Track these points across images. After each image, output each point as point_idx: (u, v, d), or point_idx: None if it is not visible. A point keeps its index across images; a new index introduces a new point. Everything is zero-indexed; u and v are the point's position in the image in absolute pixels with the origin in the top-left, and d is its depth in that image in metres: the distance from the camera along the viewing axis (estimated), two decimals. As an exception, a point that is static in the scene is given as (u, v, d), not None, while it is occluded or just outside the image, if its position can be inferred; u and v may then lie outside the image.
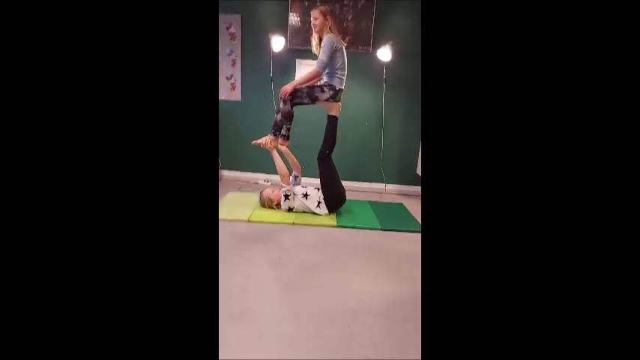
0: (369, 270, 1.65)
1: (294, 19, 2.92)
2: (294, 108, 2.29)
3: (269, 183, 3.11)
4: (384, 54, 2.84)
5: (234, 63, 3.04)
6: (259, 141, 2.34)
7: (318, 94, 2.25)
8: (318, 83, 2.29)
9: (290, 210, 2.36)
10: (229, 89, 3.09)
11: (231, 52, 3.00)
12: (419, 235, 2.16)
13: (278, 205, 2.40)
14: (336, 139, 2.37)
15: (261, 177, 3.21)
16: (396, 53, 2.88)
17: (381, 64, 2.94)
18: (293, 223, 2.20)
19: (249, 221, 2.19)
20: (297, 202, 2.36)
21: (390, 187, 3.22)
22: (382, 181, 3.20)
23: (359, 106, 3.07)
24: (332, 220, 2.28)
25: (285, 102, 2.23)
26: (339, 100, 2.32)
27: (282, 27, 2.93)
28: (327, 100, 2.26)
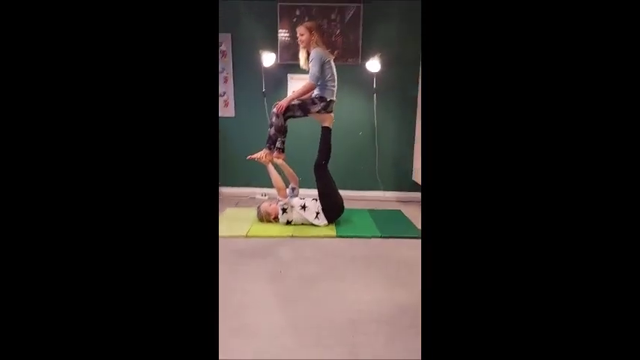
0: (369, 279, 1.64)
1: (283, 35, 2.99)
2: (288, 121, 2.32)
3: (266, 197, 3.11)
4: (373, 65, 2.90)
5: (226, 80, 3.09)
6: (255, 155, 2.37)
7: (309, 106, 2.28)
8: (310, 96, 2.33)
9: (288, 223, 2.36)
10: (222, 106, 3.13)
11: (223, 69, 3.06)
12: (418, 241, 2.15)
13: (276, 219, 2.40)
14: (331, 150, 2.39)
15: (258, 191, 3.22)
16: (384, 64, 2.93)
17: (370, 75, 2.99)
18: (292, 236, 2.20)
19: (247, 236, 2.18)
20: (296, 215, 2.36)
21: (388, 194, 3.22)
22: (379, 189, 3.21)
23: (352, 117, 3.10)
24: (331, 230, 2.28)
25: (278, 116, 2.26)
26: (331, 112, 2.35)
27: (272, 43, 2.99)
28: (319, 111, 2.30)
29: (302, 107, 2.28)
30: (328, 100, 2.28)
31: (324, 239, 2.17)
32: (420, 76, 3.01)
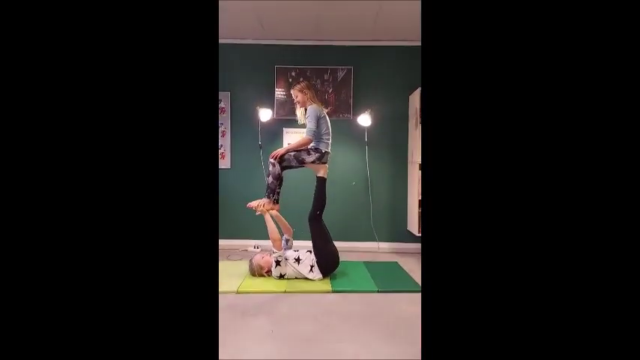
0: (367, 337, 1.54)
1: (279, 93, 3.18)
2: (284, 172, 2.37)
3: (259, 249, 3.03)
4: (364, 120, 3.05)
5: (223, 134, 3.19)
6: (253, 203, 2.36)
7: (304, 156, 2.35)
8: (306, 147, 2.41)
9: (282, 277, 2.27)
10: (219, 158, 3.19)
11: (221, 124, 3.18)
12: (416, 295, 2.07)
13: (269, 273, 2.31)
14: (325, 200, 2.40)
15: (250, 243, 3.14)
16: (374, 119, 3.10)
17: (362, 129, 3.13)
18: (285, 292, 2.10)
19: (238, 292, 2.07)
20: (289, 269, 2.28)
21: (383, 245, 3.17)
22: (374, 240, 3.17)
23: (345, 168, 3.18)
24: (326, 284, 2.19)
25: (274, 164, 2.31)
26: (325, 162, 2.41)
27: (269, 101, 3.17)
28: (313, 162, 2.36)
29: (297, 158, 2.34)
30: (323, 151, 2.36)
31: (319, 294, 2.07)
32: (409, 129, 3.16)
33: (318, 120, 2.31)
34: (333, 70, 3.16)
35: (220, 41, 2.80)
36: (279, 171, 2.33)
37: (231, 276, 2.32)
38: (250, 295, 2.05)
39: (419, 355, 1.38)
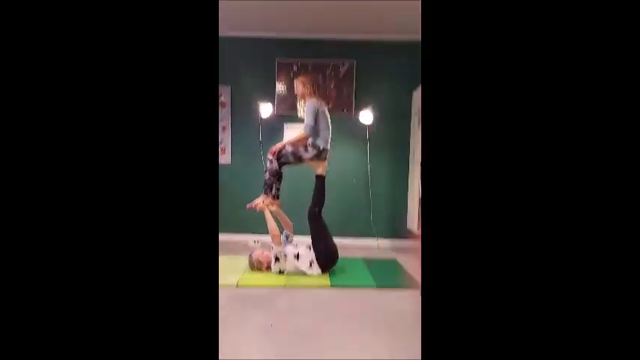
0: (365, 332, 1.55)
1: (280, 87, 3.16)
2: (283, 168, 2.36)
3: (259, 244, 3.04)
4: (366, 116, 3.04)
5: (223, 129, 3.18)
6: (253, 203, 2.37)
7: (302, 153, 2.34)
8: (304, 143, 2.39)
9: (281, 273, 2.27)
10: (219, 153, 3.18)
11: (222, 119, 3.17)
12: (413, 292, 2.08)
13: (268, 268, 2.31)
14: (325, 197, 2.40)
15: (250, 238, 3.15)
16: (376, 115, 3.09)
17: (363, 126, 3.13)
18: (284, 286, 2.11)
19: (238, 286, 2.08)
20: (289, 264, 2.28)
21: (382, 242, 3.18)
22: (373, 236, 3.18)
23: (346, 165, 3.18)
24: (325, 280, 2.20)
25: (271, 161, 2.30)
26: (324, 159, 2.40)
27: (270, 96, 3.15)
28: (311, 158, 2.35)
29: (294, 154, 2.33)
30: (321, 147, 2.34)
31: (318, 289, 2.08)
32: (411, 127, 3.16)
33: (317, 115, 2.30)
34: (335, 65, 3.14)
35: (220, 34, 2.78)
36: (277, 167, 2.33)
37: (231, 270, 2.33)
38: (250, 288, 2.06)
39: (417, 349, 1.40)
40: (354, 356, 1.36)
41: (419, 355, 1.39)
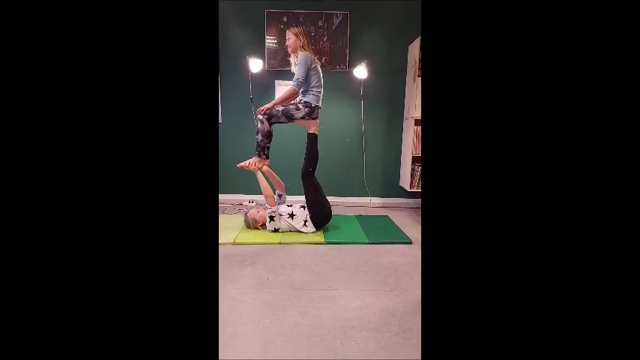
0: (358, 285, 1.63)
1: (270, 42, 2.99)
2: (273, 126, 2.31)
3: (254, 203, 3.07)
4: (360, 72, 2.93)
5: (213, 86, 3.06)
6: (244, 163, 2.34)
7: (293, 112, 2.27)
8: (294, 101, 2.32)
9: (276, 231, 2.33)
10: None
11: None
12: (406, 247, 2.16)
13: (263, 226, 2.36)
14: (318, 157, 2.39)
15: (245, 198, 3.18)
16: (370, 71, 2.97)
17: (357, 82, 3.02)
18: (280, 243, 2.17)
19: (234, 244, 2.14)
20: (283, 223, 2.33)
21: (375, 200, 3.24)
22: (367, 195, 3.23)
23: (339, 123, 3.12)
24: (319, 237, 2.26)
25: (262, 121, 2.25)
26: (316, 118, 2.34)
27: (260, 50, 2.99)
28: (303, 117, 2.29)
29: (285, 113, 2.26)
30: (313, 105, 2.28)
31: (313, 246, 2.15)
32: (407, 83, 3.07)
33: (308, 70, 2.20)
34: (329, 16, 2.96)
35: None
36: (269, 127, 2.27)
37: (228, 228, 2.38)
38: (246, 246, 2.12)
39: (408, 298, 1.48)
40: (349, 304, 1.44)
41: (410, 303, 1.47)
